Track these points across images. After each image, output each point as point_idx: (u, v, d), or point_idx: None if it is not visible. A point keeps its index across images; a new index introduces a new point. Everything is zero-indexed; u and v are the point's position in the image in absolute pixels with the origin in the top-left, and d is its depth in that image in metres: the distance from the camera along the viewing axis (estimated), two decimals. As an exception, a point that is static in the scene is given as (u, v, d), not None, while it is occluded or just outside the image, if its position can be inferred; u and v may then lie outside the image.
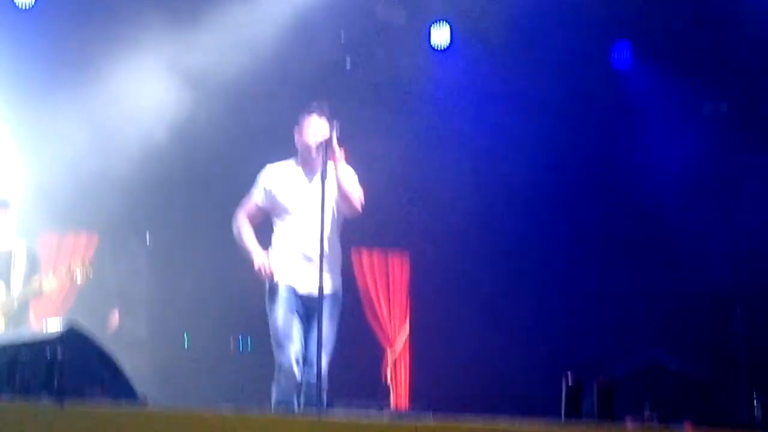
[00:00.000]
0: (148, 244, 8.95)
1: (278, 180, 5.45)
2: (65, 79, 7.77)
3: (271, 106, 7.49)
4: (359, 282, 9.18)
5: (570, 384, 3.63)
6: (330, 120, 5.33)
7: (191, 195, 8.69)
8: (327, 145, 5.14)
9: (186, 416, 2.67)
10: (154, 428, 2.65)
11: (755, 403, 5.17)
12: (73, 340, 3.60)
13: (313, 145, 5.31)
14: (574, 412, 3.48)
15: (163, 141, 7.84)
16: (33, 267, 6.69)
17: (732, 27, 7.77)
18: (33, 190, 7.62)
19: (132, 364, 4.50)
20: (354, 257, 9.11)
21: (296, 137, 5.48)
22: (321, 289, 4.92)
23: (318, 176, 5.19)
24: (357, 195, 5.33)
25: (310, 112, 5.41)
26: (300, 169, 5.46)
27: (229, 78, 7.70)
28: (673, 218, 8.06)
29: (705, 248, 7.73)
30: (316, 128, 5.36)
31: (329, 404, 4.83)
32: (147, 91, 7.73)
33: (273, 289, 5.26)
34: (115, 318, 8.50)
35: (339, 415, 2.70)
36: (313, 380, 4.86)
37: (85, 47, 7.85)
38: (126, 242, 8.88)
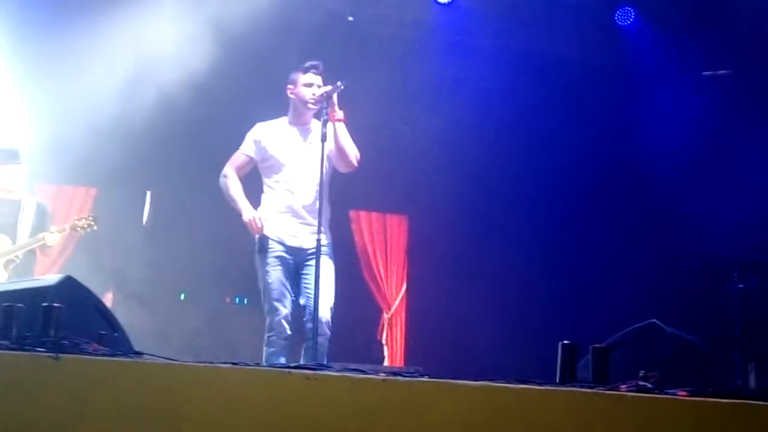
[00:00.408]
0: (147, 205, 8.91)
1: (269, 135, 5.45)
2: (80, 24, 7.58)
3: (276, 59, 7.39)
4: (357, 243, 9.19)
5: (565, 349, 3.63)
6: (325, 77, 5.33)
7: (196, 148, 8.59)
8: (328, 102, 5.14)
9: (182, 369, 2.67)
10: (150, 381, 2.64)
11: (750, 372, 5.19)
12: (71, 289, 3.58)
13: (310, 103, 5.31)
14: (569, 377, 3.48)
15: (182, 94, 7.56)
16: (41, 222, 6.63)
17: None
18: (43, 140, 7.47)
19: (128, 321, 4.50)
20: (353, 219, 9.10)
21: (291, 95, 5.46)
22: (319, 242, 4.95)
23: (311, 135, 5.23)
24: (353, 151, 5.32)
25: (305, 70, 5.39)
26: (293, 126, 5.45)
27: (244, 29, 7.47)
28: (672, 184, 8.06)
29: (702, 216, 7.73)
30: (313, 86, 5.34)
31: (329, 359, 4.86)
32: (167, 37, 7.41)
33: (263, 243, 5.27)
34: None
35: (333, 372, 2.69)
36: (316, 332, 4.89)
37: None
38: (126, 197, 8.84)
